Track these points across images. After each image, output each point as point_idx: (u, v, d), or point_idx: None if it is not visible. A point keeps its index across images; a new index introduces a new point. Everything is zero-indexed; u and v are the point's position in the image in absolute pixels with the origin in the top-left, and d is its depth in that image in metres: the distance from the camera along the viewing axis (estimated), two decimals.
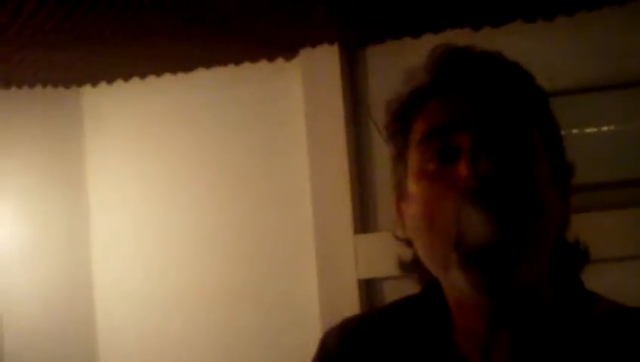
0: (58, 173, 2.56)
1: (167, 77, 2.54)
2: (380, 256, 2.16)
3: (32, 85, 2.50)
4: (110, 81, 2.58)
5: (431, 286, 0.94)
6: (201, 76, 2.51)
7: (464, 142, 0.85)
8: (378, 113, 2.29)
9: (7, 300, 2.40)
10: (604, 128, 2.16)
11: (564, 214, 0.92)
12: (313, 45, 2.34)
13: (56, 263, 2.51)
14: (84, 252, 2.56)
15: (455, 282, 0.86)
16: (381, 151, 2.29)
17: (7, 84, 2.45)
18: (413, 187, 0.89)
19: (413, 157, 0.89)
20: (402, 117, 0.92)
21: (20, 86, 2.48)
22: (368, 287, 2.23)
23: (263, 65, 2.45)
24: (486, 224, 0.83)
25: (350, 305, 2.16)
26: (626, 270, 1.99)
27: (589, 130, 2.15)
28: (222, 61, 2.47)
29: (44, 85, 2.52)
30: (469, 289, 0.85)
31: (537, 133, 0.88)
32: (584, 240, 0.94)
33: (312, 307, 2.23)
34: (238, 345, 2.41)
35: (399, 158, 0.92)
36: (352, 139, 2.33)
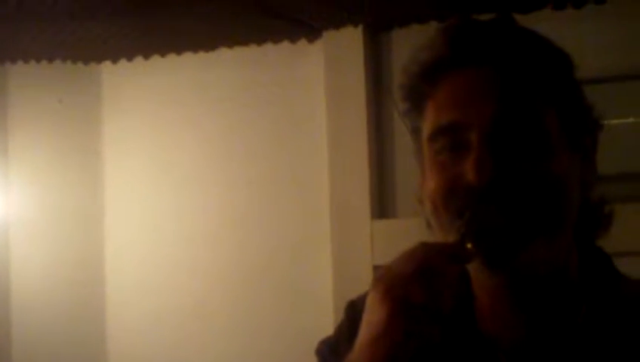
0: (75, 149, 2.55)
1: (188, 55, 2.52)
2: (397, 242, 2.11)
3: (50, 60, 2.48)
4: (130, 58, 2.56)
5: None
6: (222, 56, 2.49)
7: (473, 137, 0.84)
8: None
9: (19, 275, 2.39)
10: (632, 119, 2.13)
11: (586, 178, 0.90)
12: (337, 27, 2.31)
13: (70, 239, 2.50)
14: (97, 228, 2.55)
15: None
16: (402, 136, 2.26)
17: (25, 58, 2.44)
18: (426, 169, 0.89)
19: (426, 147, 0.89)
20: (414, 95, 0.90)
21: (38, 60, 2.46)
22: None
23: (285, 46, 2.43)
24: (491, 220, 0.82)
25: (364, 291, 2.12)
26: None
27: (615, 121, 2.11)
28: (244, 41, 2.44)
29: (64, 60, 2.50)
30: (477, 266, 0.84)
31: (556, 117, 0.86)
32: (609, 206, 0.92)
33: (326, 292, 2.21)
34: (251, 328, 2.39)
35: (415, 135, 0.92)
36: (373, 123, 2.30)
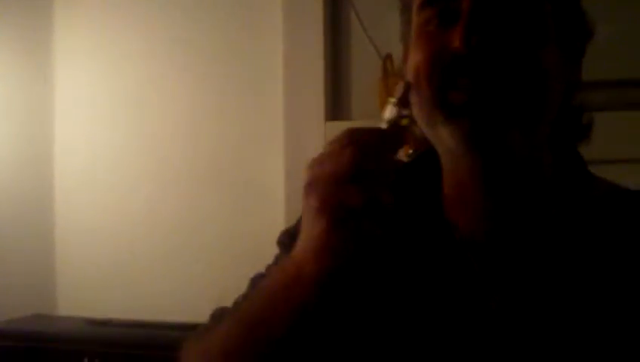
0: (25, 45, 2.48)
1: None
2: None
3: None
4: None
5: (425, 154, 0.93)
6: None
7: (464, 7, 0.82)
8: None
9: None
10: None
11: (571, 77, 0.90)
12: None
13: (18, 136, 2.45)
14: (47, 126, 2.52)
15: (442, 139, 0.85)
16: (358, 38, 2.24)
17: None
18: (412, 43, 0.88)
19: (415, 18, 0.87)
20: None
21: None
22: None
23: None
24: (472, 88, 0.81)
25: None
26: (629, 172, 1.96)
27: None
28: None
29: None
30: (456, 143, 0.84)
31: (551, 9, 0.85)
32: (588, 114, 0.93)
33: (278, 191, 2.21)
34: (201, 228, 2.40)
35: (404, 12, 0.91)
36: (329, 25, 2.27)
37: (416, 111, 0.87)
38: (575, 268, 0.86)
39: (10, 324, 2.19)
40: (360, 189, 0.74)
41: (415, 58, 0.86)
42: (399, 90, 0.81)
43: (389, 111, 0.80)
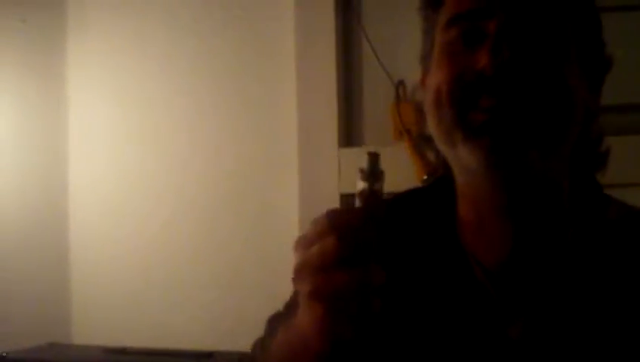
0: (38, 70, 2.50)
1: None
2: None
3: None
4: None
5: (440, 180, 0.93)
6: None
7: (490, 28, 0.83)
8: (371, 26, 2.24)
9: None
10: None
11: (591, 105, 0.90)
12: None
13: (32, 161, 2.46)
14: (61, 150, 2.53)
15: (462, 158, 0.85)
16: (370, 64, 2.24)
17: None
18: (435, 63, 0.88)
19: (439, 37, 0.88)
20: None
21: None
22: (349, 202, 2.21)
23: None
24: (495, 109, 0.81)
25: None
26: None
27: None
28: None
29: None
30: (476, 162, 0.84)
31: (574, 36, 0.86)
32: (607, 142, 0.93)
33: (293, 219, 2.21)
34: (216, 252, 2.40)
35: (427, 32, 0.91)
36: (342, 51, 2.28)
37: (435, 130, 0.87)
38: (593, 293, 0.86)
39: (25, 353, 2.18)
40: (349, 274, 0.75)
41: (438, 76, 0.86)
42: (366, 162, 0.81)
43: (359, 185, 0.81)
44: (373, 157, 0.80)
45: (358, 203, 0.81)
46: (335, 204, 2.17)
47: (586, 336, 0.85)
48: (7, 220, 2.38)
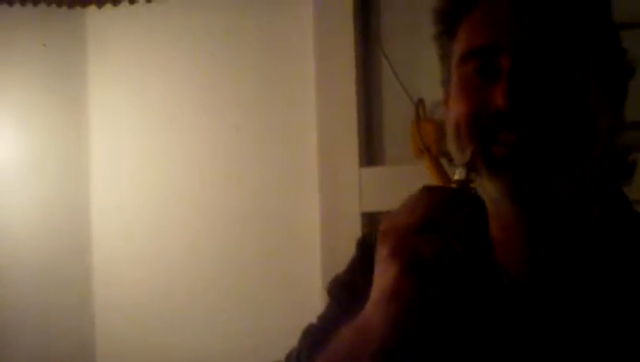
0: (59, 94, 2.52)
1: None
2: (384, 190, 2.13)
3: (35, 3, 2.44)
4: (115, 2, 2.52)
5: (471, 197, 0.94)
6: (210, 0, 2.46)
7: (504, 64, 0.83)
8: (389, 46, 2.24)
9: (3, 219, 2.37)
10: None
11: (614, 119, 0.90)
12: None
13: (55, 184, 2.48)
14: (83, 172, 2.54)
15: (486, 190, 0.85)
16: (390, 83, 2.25)
17: (9, 1, 2.40)
18: (453, 93, 0.88)
19: (455, 71, 0.88)
20: (447, 18, 0.90)
21: (23, 3, 2.42)
22: (371, 221, 2.21)
23: None
24: (515, 143, 0.81)
25: (351, 238, 2.12)
26: None
27: None
28: None
29: (48, 4, 2.46)
30: (500, 196, 0.85)
31: (590, 54, 0.85)
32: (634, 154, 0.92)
33: (314, 239, 2.21)
34: (237, 274, 2.40)
35: (444, 59, 0.92)
36: (361, 71, 2.28)
37: (458, 160, 0.87)
38: (622, 310, 0.85)
39: None
40: (432, 239, 0.76)
41: (456, 111, 0.87)
42: (468, 154, 0.83)
43: (459, 173, 0.82)
44: (476, 150, 0.83)
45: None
46: (356, 223, 2.16)
47: (614, 356, 0.84)
48: (31, 245, 2.40)
